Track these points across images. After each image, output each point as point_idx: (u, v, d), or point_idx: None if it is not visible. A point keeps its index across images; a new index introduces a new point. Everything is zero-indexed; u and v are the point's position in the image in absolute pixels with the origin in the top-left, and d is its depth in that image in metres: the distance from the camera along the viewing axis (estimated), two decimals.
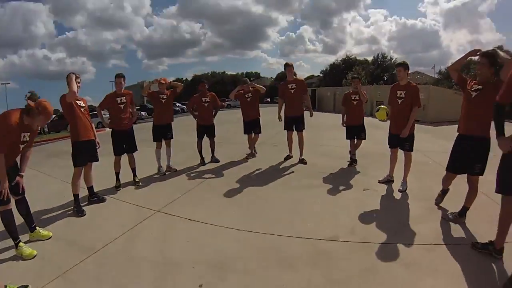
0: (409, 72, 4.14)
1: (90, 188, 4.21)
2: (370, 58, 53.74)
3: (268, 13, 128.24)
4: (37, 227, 3.21)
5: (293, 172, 5.37)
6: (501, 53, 2.78)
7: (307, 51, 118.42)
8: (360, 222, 3.27)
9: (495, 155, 2.65)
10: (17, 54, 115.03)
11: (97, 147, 4.04)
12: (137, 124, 13.18)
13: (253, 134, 6.42)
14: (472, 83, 3.03)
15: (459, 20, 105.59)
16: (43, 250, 2.95)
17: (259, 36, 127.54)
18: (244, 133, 6.42)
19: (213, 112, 6.19)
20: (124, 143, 4.79)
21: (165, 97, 5.46)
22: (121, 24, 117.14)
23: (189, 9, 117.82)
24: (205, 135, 6.11)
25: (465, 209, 3.19)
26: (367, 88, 18.92)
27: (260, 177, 5.09)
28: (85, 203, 4.07)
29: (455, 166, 3.19)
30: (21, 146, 2.87)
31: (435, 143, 7.72)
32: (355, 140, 5.63)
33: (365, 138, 5.63)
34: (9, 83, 46.30)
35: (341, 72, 46.14)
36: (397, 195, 4.07)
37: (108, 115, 4.81)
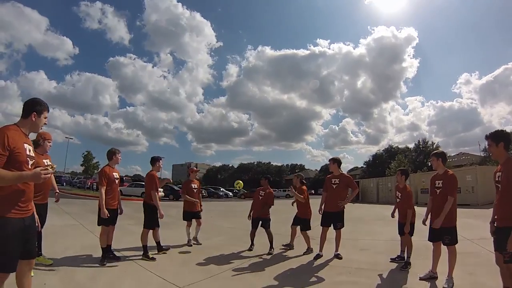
0: (442, 159, 4.11)
1: (109, 246, 4.86)
2: (411, 146, 52.23)
3: (312, 107, 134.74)
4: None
5: (327, 266, 4.92)
6: None
7: (350, 143, 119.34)
8: None
9: None
10: (83, 116, 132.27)
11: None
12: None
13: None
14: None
15: (495, 94, 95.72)
16: None
17: (304, 129, 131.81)
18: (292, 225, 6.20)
19: (264, 207, 6.10)
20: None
21: (195, 186, 6.43)
22: (175, 108, 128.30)
23: (237, 101, 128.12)
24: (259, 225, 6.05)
25: None
26: (411, 176, 17.96)
27: (293, 270, 4.73)
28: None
29: None
30: None
31: (486, 229, 6.71)
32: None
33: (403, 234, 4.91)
34: (72, 139, 57.63)
35: (384, 162, 45.52)
36: None
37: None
